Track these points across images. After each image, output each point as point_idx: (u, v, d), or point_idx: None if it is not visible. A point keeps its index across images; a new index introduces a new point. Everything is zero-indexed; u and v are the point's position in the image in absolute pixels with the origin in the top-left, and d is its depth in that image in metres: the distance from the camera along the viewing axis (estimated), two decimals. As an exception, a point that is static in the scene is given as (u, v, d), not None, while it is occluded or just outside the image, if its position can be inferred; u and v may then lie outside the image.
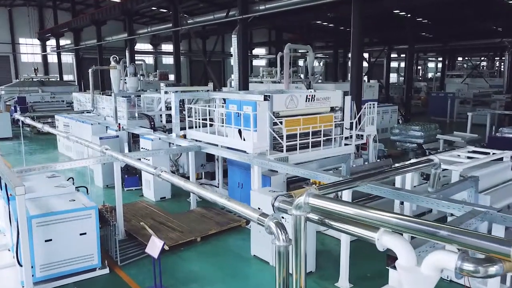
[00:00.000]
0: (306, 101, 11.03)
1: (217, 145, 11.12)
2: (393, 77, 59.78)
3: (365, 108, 12.27)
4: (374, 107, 12.39)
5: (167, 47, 54.58)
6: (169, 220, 10.12)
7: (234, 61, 19.25)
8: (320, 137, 11.23)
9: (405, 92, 43.25)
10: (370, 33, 47.55)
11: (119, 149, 13.77)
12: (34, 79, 32.53)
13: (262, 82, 28.08)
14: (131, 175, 13.21)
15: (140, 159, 9.99)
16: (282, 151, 10.37)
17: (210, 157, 12.83)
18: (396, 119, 24.28)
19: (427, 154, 17.98)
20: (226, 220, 10.06)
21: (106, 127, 15.79)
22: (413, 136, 19.40)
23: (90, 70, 18.30)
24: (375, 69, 64.53)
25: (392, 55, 60.80)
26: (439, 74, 66.02)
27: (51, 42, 43.73)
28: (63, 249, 7.23)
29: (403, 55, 59.56)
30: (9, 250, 8.45)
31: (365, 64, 72.78)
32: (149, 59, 52.03)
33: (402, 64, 70.97)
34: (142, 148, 12.43)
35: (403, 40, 41.99)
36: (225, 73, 56.74)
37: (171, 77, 42.96)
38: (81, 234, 7.38)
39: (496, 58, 55.14)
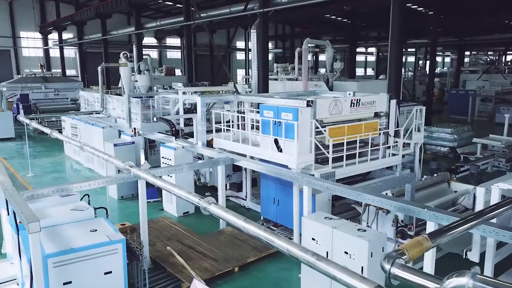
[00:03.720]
0: (350, 106, 9.75)
1: (251, 157, 9.87)
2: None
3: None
4: (422, 111, 11.11)
5: (172, 40, 53.11)
6: (198, 243, 8.89)
7: (252, 58, 17.88)
8: (366, 146, 9.96)
9: (415, 89, 42.11)
10: (378, 27, 46.23)
11: (135, 157, 12.56)
12: (36, 75, 31.16)
13: (277, 79, 26.80)
14: (149, 185, 11.93)
15: (161, 177, 8.75)
16: (321, 163, 9.11)
17: (237, 166, 11.58)
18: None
19: (462, 159, 16.77)
20: (264, 244, 8.80)
21: (119, 130, 14.53)
22: (445, 139, 18.17)
23: (99, 68, 16.99)
24: (381, 64, 63.29)
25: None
26: (445, 69, 64.67)
27: (53, 36, 42.31)
28: (84, 292, 5.99)
29: (410, 50, 58.09)
30: (18, 285, 7.23)
31: (373, 58, 71.60)
32: (153, 54, 50.63)
33: (410, 59, 69.56)
34: (162, 157, 11.16)
35: (413, 34, 40.79)
36: (231, 68, 55.33)
37: (177, 72, 41.62)
38: (105, 273, 6.14)
39: (508, 53, 53.82)
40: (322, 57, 53.07)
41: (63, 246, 5.97)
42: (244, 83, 27.66)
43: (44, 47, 42.31)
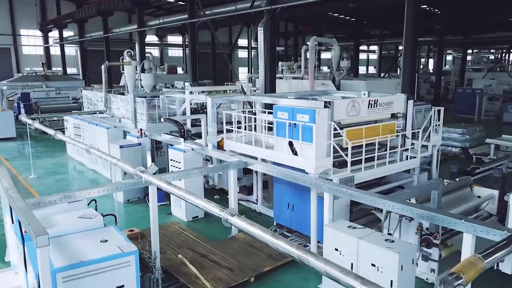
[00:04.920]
0: (368, 107, 9.36)
1: (263, 160, 9.48)
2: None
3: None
4: (440, 112, 10.71)
5: (173, 38, 52.72)
6: (211, 251, 8.50)
7: (259, 56, 17.48)
8: (382, 149, 9.57)
9: (419, 87, 41.68)
10: (381, 25, 45.89)
11: (141, 159, 12.17)
12: (37, 73, 30.73)
13: (282, 78, 26.37)
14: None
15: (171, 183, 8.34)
16: (338, 167, 8.69)
17: (247, 168, 11.17)
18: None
19: (474, 160, 16.39)
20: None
21: (123, 131, 14.12)
22: (456, 140, 17.76)
23: (102, 67, 16.56)
24: (384, 62, 62.89)
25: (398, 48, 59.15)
26: (447, 67, 64.22)
27: (54, 34, 41.86)
28: (95, 308, 5.61)
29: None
30: (23, 296, 6.85)
31: (374, 56, 71.09)
32: (155, 52, 50.15)
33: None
34: (171, 160, 10.76)
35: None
36: (233, 67, 54.82)
37: (179, 70, 41.19)
38: (117, 288, 5.76)
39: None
40: (323, 55, 52.68)
41: (72, 259, 5.58)
42: (249, 82, 27.20)
43: (45, 45, 41.85)
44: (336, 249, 6.48)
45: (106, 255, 5.69)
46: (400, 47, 58.05)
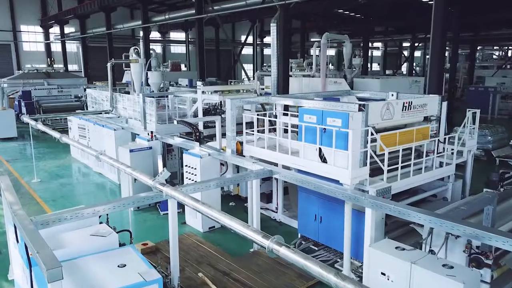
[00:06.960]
0: (402, 110, 8.61)
1: (284, 167, 8.76)
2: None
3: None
4: (476, 115, 9.95)
5: (176, 35, 51.83)
6: (234, 268, 7.76)
7: (272, 54, 16.70)
8: (416, 155, 8.85)
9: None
10: (384, 22, 45.03)
11: (152, 164, 11.43)
12: (39, 70, 29.91)
13: (291, 76, 25.58)
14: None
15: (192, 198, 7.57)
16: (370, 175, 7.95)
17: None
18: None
19: (497, 163, 15.67)
20: (308, 268, 7.67)
21: (132, 133, 13.35)
22: (477, 141, 16.93)
23: (108, 65, 15.81)
24: (389, 59, 61.98)
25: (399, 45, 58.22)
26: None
27: (54, 30, 40.98)
28: None
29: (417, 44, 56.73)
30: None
31: (378, 53, 70.22)
32: (157, 48, 49.28)
33: (415, 53, 68.13)
34: (186, 165, 9.99)
35: (421, 28, 39.62)
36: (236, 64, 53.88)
37: (182, 67, 40.36)
38: (139, 321, 5.03)
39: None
40: (327, 52, 51.71)
41: (88, 289, 4.85)
42: (257, 80, 26.42)
43: (46, 41, 40.99)
44: (383, 274, 5.73)
45: (127, 285, 4.95)
46: (405, 44, 57.38)
